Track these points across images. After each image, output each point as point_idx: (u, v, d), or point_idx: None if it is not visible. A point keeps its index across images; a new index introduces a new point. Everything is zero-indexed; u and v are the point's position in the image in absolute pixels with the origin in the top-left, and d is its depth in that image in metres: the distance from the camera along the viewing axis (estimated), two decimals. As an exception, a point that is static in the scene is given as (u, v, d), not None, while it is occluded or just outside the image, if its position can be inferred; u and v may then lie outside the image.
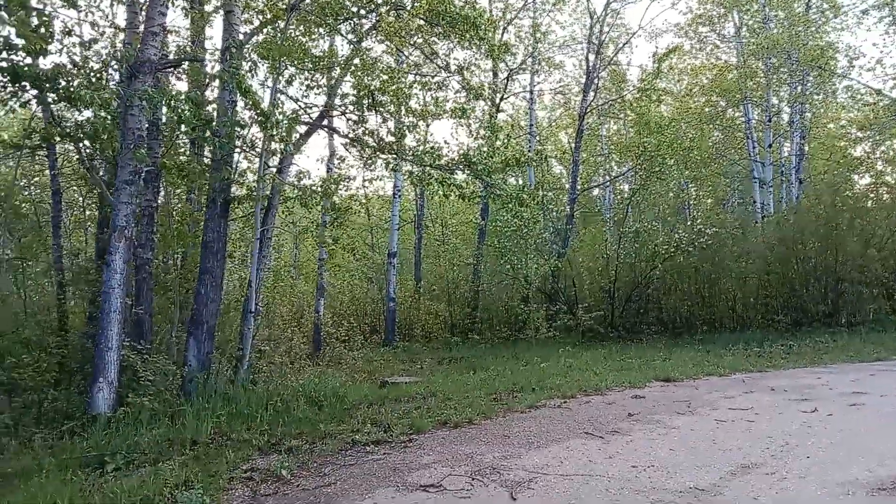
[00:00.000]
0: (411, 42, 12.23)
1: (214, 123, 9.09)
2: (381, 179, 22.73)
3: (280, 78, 9.84)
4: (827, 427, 6.79)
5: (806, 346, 14.19)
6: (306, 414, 7.86)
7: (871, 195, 23.86)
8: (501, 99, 21.12)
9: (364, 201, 23.43)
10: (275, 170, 9.93)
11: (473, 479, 5.33)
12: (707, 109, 24.28)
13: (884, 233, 18.66)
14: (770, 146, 22.71)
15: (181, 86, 12.70)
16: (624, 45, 22.92)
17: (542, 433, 6.93)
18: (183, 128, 9.31)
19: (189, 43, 11.77)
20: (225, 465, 5.90)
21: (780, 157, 24.40)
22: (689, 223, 19.02)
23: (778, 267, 18.24)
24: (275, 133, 8.63)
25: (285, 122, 8.90)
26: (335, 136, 13.25)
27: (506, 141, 11.88)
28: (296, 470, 5.77)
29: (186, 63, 10.72)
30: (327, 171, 15.51)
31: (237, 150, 9.59)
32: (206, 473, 5.65)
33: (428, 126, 18.21)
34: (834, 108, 25.86)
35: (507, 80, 21.35)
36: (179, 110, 8.39)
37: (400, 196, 19.88)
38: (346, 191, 12.61)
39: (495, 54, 12.28)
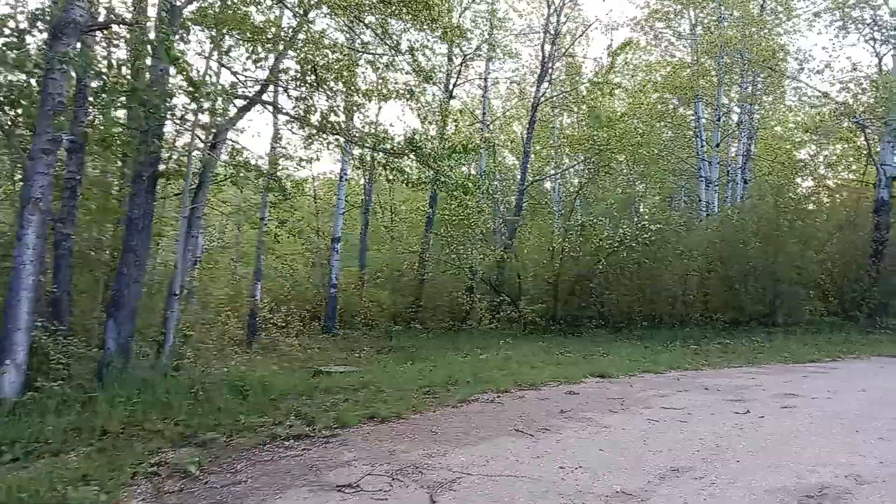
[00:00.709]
0: (363, 21, 11.80)
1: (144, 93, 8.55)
2: (318, 160, 22.10)
3: (220, 48, 9.35)
4: (758, 430, 6.75)
5: (742, 346, 14.38)
6: (228, 404, 7.42)
7: (813, 198, 24.45)
8: (455, 85, 20.80)
9: (311, 184, 22.87)
10: (208, 145, 9.44)
11: (394, 479, 5.07)
12: (659, 106, 24.41)
13: (823, 235, 19.09)
14: (718, 145, 22.98)
15: (120, 54, 12.04)
16: (580, 36, 22.87)
17: (472, 430, 6.71)
18: (107, 96, 8.74)
19: (128, 6, 11.11)
20: (131, 458, 5.49)
21: (728, 157, 24.74)
22: (635, 219, 19.07)
23: (719, 265, 18.47)
24: (206, 106, 8.13)
25: (219, 93, 8.41)
26: (279, 115, 12.74)
27: (454, 126, 11.63)
28: (206, 465, 5.40)
29: (126, 30, 10.08)
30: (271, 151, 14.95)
31: (167, 121, 9.07)
32: (109, 467, 5.23)
33: (380, 109, 17.79)
34: (782, 111, 26.31)
35: (462, 66, 21.04)
36: (103, 77, 7.86)
37: (346, 180, 19.41)
38: (284, 171, 12.05)
39: (449, 37, 11.95)
